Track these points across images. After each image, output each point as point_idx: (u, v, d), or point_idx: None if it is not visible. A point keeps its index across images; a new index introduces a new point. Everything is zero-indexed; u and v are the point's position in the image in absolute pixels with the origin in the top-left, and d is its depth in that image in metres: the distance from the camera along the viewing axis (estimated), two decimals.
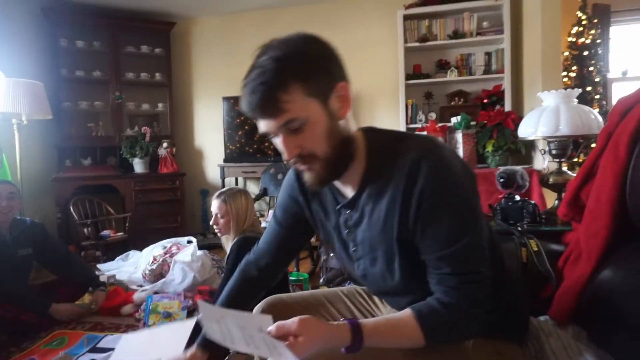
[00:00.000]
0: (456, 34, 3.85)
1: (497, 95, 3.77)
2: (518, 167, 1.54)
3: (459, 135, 3.44)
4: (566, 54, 3.66)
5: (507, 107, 3.71)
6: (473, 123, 3.56)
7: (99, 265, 3.32)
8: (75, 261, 2.66)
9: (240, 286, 1.15)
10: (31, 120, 3.48)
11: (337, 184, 0.93)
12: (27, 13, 4.08)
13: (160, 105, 4.60)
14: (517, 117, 3.39)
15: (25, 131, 3.52)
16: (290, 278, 2.73)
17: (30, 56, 4.06)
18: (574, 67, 3.61)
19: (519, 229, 1.40)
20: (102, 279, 2.87)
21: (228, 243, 2.17)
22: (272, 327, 0.75)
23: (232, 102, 4.41)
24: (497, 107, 3.74)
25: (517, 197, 1.51)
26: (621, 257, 1.06)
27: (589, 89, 3.57)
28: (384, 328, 0.83)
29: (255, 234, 2.12)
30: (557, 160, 1.60)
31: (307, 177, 0.87)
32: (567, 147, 1.57)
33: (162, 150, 4.41)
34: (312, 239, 3.83)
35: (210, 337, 0.85)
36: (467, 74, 3.93)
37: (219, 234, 2.21)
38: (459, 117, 3.42)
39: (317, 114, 0.80)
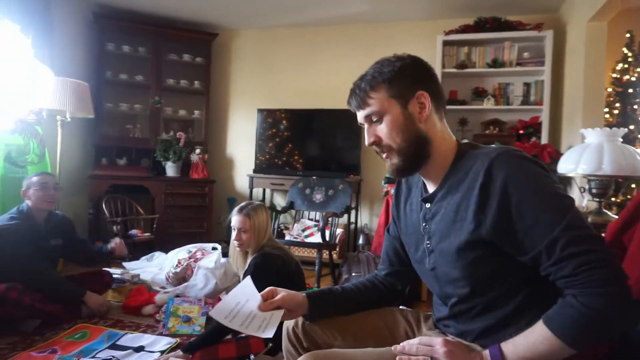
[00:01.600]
0: (495, 63, 3.82)
1: (533, 127, 3.71)
2: None
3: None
4: (609, 90, 3.57)
5: (544, 139, 3.64)
6: None
7: (124, 264, 3.38)
8: (95, 251, 2.82)
9: (363, 283, 1.24)
10: (74, 118, 3.63)
11: (425, 182, 1.06)
12: (79, 17, 4.29)
13: (196, 112, 4.72)
14: (553, 150, 3.32)
15: (68, 128, 3.66)
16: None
17: (78, 58, 4.26)
18: (617, 104, 3.52)
19: None
20: (127, 277, 2.94)
21: (246, 257, 2.16)
22: (416, 340, 0.93)
23: (266, 114, 4.48)
24: (533, 139, 3.67)
25: None
26: None
27: (632, 127, 3.47)
28: (522, 346, 0.83)
29: (274, 250, 2.11)
30: (598, 199, 1.56)
31: (387, 166, 1.02)
32: (608, 186, 1.52)
33: (195, 156, 4.50)
34: (335, 256, 3.84)
35: (217, 310, 1.01)
36: (504, 103, 3.88)
37: (238, 249, 2.18)
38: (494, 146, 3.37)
39: (395, 112, 0.97)
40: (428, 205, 1.03)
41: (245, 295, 1.05)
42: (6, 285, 2.20)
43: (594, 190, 1.55)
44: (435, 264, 1.02)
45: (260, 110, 4.51)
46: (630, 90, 3.48)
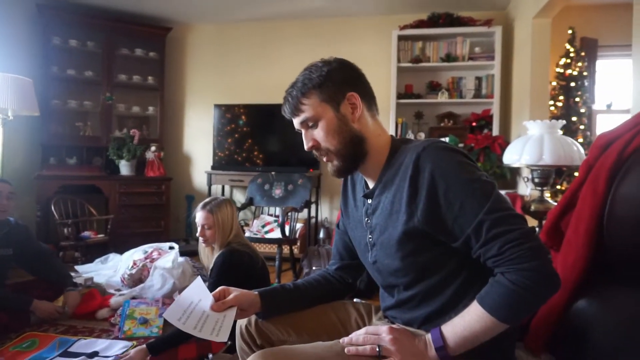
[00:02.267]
0: (448, 57, 3.92)
1: (485, 120, 3.85)
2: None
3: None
4: (554, 83, 3.75)
5: (495, 131, 3.78)
6: (461, 145, 3.62)
7: (76, 267, 3.26)
8: (54, 263, 2.62)
9: (315, 278, 1.24)
10: (17, 116, 3.44)
11: (365, 178, 1.09)
12: (20, 9, 4.06)
13: (150, 108, 4.58)
14: (504, 142, 3.45)
15: (11, 127, 3.47)
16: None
17: (21, 52, 4.03)
18: (561, 97, 3.71)
19: None
20: (79, 280, 2.82)
21: (212, 254, 2.14)
22: (362, 330, 0.96)
23: (224, 109, 4.41)
24: (485, 131, 3.80)
25: None
26: (595, 290, 1.08)
27: (574, 119, 3.66)
28: (460, 326, 0.87)
29: (241, 247, 2.10)
30: (540, 188, 1.63)
31: (329, 168, 1.06)
32: (549, 176, 1.60)
33: (150, 154, 4.38)
34: (296, 251, 3.84)
35: (171, 311, 0.99)
36: (458, 97, 4.00)
37: (203, 245, 2.17)
38: (447, 139, 3.46)
39: (328, 115, 1.00)
40: (369, 201, 1.06)
41: (198, 295, 1.04)
42: None
43: (536, 180, 1.63)
44: (377, 257, 1.05)
45: (217, 106, 4.44)
46: (573, 84, 3.67)
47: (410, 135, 4.03)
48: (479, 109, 3.97)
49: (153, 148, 4.39)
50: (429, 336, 0.91)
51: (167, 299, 2.53)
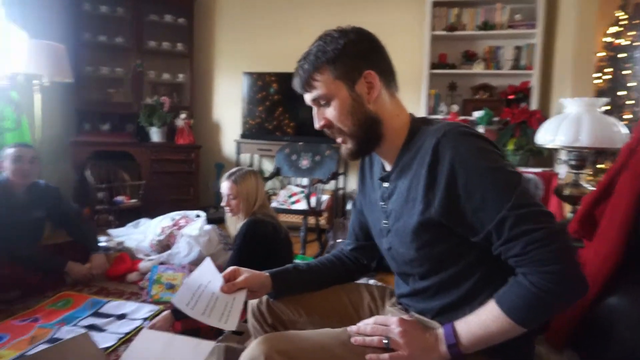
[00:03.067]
0: (486, 25, 3.71)
1: (523, 92, 3.66)
2: (531, 175, 1.49)
3: (479, 131, 3.35)
4: (601, 54, 3.50)
5: (533, 105, 3.60)
6: (496, 119, 3.47)
7: (109, 231, 3.37)
8: (83, 226, 2.71)
9: (329, 259, 1.22)
10: (52, 83, 3.52)
11: (382, 160, 1.03)
12: None
13: (180, 75, 4.59)
14: (542, 117, 3.28)
15: (47, 94, 3.56)
16: (295, 261, 2.74)
17: (53, 18, 4.06)
18: (608, 69, 3.45)
19: None
20: (111, 244, 2.93)
21: (237, 223, 2.17)
22: (371, 319, 0.93)
23: (255, 77, 4.36)
24: (523, 104, 3.62)
25: None
26: (627, 286, 1.02)
27: (622, 93, 3.42)
28: (474, 324, 0.83)
29: (265, 217, 2.11)
30: (575, 171, 1.54)
31: (342, 150, 1.00)
32: (586, 158, 1.50)
33: (180, 121, 4.41)
34: (323, 222, 3.85)
35: (179, 296, 0.97)
36: (494, 68, 3.80)
37: (229, 215, 2.21)
38: (481, 112, 3.32)
39: (342, 95, 0.93)
40: (386, 184, 1.02)
41: (207, 276, 1.04)
42: None
43: (572, 162, 1.54)
44: (392, 244, 1.01)
45: (247, 74, 4.39)
46: (622, 55, 3.41)
47: (443, 108, 3.89)
48: (516, 81, 3.76)
49: (183, 115, 4.42)
50: (441, 331, 0.88)
51: (193, 265, 2.60)
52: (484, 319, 0.83)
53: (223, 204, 2.14)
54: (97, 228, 3.61)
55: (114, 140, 4.15)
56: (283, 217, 3.97)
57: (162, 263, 2.61)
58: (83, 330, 1.95)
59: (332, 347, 0.88)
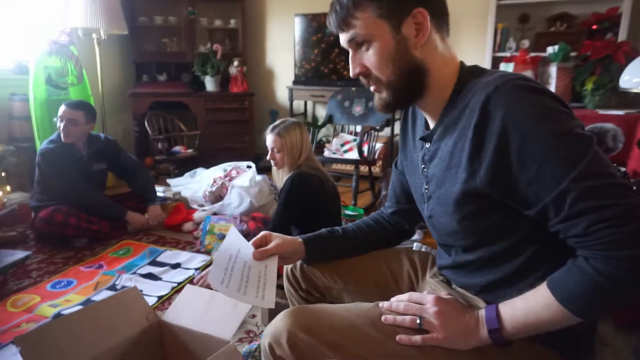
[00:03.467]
0: None
1: (610, 21, 3.15)
2: (610, 125, 1.26)
3: (553, 69, 2.98)
4: None
5: (622, 36, 3.10)
6: (573, 54, 3.05)
7: (168, 180, 3.51)
8: (141, 175, 2.81)
9: (367, 223, 1.14)
10: (109, 36, 3.58)
11: (426, 116, 0.90)
12: None
13: (232, 21, 4.49)
14: (631, 50, 2.83)
15: (104, 47, 3.64)
16: (345, 212, 2.69)
17: None
18: None
19: None
20: (168, 194, 3.05)
21: (283, 176, 2.14)
22: (405, 296, 0.85)
23: (310, 18, 4.15)
24: (609, 35, 3.14)
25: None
26: None
27: None
28: (521, 309, 0.72)
29: (311, 170, 2.06)
30: None
31: (375, 99, 0.88)
32: None
33: (233, 69, 4.37)
34: (378, 170, 3.74)
35: (213, 274, 0.90)
36: None
37: (275, 167, 2.18)
38: (556, 47, 2.93)
39: (384, 36, 0.79)
40: (427, 145, 0.88)
41: (235, 246, 0.99)
42: (52, 207, 2.35)
43: None
44: (432, 212, 0.90)
45: (300, 15, 4.19)
46: None
47: (512, 44, 3.48)
48: (603, 8, 3.24)
49: (236, 63, 4.37)
50: (482, 313, 0.77)
51: (245, 216, 2.63)
52: (532, 305, 0.71)
53: (268, 157, 2.10)
54: (158, 177, 3.79)
55: (170, 90, 4.22)
56: (335, 167, 3.91)
57: (214, 214, 2.67)
58: (141, 279, 2.06)
59: (360, 325, 0.81)
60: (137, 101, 4.08)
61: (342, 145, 3.52)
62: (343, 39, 0.84)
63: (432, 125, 0.88)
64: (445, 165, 0.82)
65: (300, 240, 1.05)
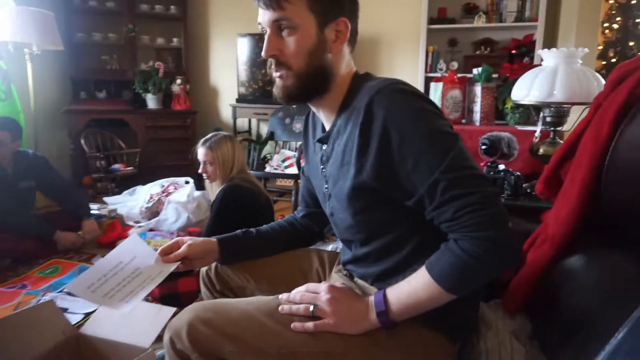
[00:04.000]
0: None
1: (526, 47, 3.46)
2: (505, 133, 1.40)
3: (478, 89, 3.19)
4: (611, 1, 3.27)
5: (537, 60, 3.40)
6: (495, 75, 3.30)
7: (105, 198, 3.41)
8: (73, 193, 2.73)
9: (281, 224, 1.18)
10: (45, 51, 3.47)
11: (323, 119, 0.96)
12: None
13: (175, 40, 4.49)
14: None
15: (39, 62, 3.52)
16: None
17: None
18: (618, 19, 3.24)
19: None
20: (104, 212, 2.96)
21: (215, 189, 2.16)
22: (303, 287, 0.90)
23: (257, 38, 4.19)
24: (526, 59, 3.44)
25: (501, 167, 1.38)
26: (586, 249, 0.95)
27: (632, 43, 3.22)
28: (405, 292, 0.79)
29: (244, 182, 2.09)
30: (552, 128, 1.44)
31: (276, 87, 0.90)
32: (564, 115, 1.40)
33: (176, 87, 4.35)
34: None
35: (80, 279, 0.91)
36: (497, 21, 3.59)
37: (207, 181, 2.20)
38: (479, 69, 3.16)
39: (308, 29, 0.83)
40: (324, 146, 0.95)
41: (131, 253, 0.99)
42: None
43: (548, 119, 1.43)
44: (333, 209, 0.97)
45: (241, 35, 4.26)
46: (634, 1, 3.18)
47: (442, 65, 3.72)
48: (520, 35, 3.56)
49: (179, 81, 4.36)
50: (371, 299, 0.84)
51: (182, 232, 2.61)
52: (414, 286, 0.79)
53: (200, 170, 2.12)
54: (97, 196, 3.67)
55: (109, 107, 4.13)
56: (279, 183, 3.95)
57: (151, 230, 2.63)
58: (67, 296, 1.99)
59: (258, 316, 0.85)
60: (73, 118, 3.95)
61: (284, 161, 3.58)
62: (267, 17, 0.84)
63: (328, 128, 0.94)
64: (339, 164, 0.89)
65: (214, 240, 1.08)
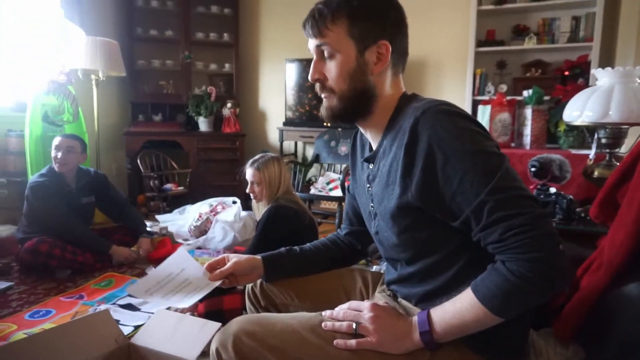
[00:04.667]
0: None
1: (581, 67, 3.34)
2: (556, 156, 1.35)
3: (528, 111, 3.11)
4: None
5: (592, 81, 3.28)
6: (547, 98, 3.20)
7: (157, 216, 3.56)
8: (129, 210, 2.88)
9: (324, 243, 1.20)
10: (108, 77, 3.75)
11: (370, 139, 0.99)
12: None
13: (227, 65, 4.70)
14: None
15: (103, 87, 3.80)
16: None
17: (108, 15, 4.32)
18: None
19: None
20: (155, 229, 3.09)
21: (261, 209, 2.21)
22: (346, 304, 0.91)
23: (305, 63, 4.33)
24: (580, 80, 3.32)
25: (553, 190, 1.33)
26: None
27: None
28: (450, 312, 0.79)
29: (288, 203, 2.12)
30: (608, 150, 1.37)
31: (323, 107, 0.94)
32: (620, 136, 1.33)
33: (226, 110, 4.53)
34: None
35: (139, 284, 0.96)
36: (549, 42, 3.51)
37: (254, 201, 2.25)
38: (530, 91, 3.08)
39: (348, 54, 0.87)
40: (371, 166, 0.97)
41: (180, 265, 1.03)
42: (37, 238, 2.39)
43: (603, 140, 1.37)
44: (378, 227, 0.97)
45: (289, 60, 4.40)
46: None
47: (490, 88, 3.66)
48: (574, 56, 3.45)
49: (229, 105, 4.54)
50: (415, 318, 0.83)
51: (228, 250, 2.68)
52: (459, 307, 0.78)
53: (247, 190, 2.18)
54: (149, 214, 3.84)
55: (164, 130, 4.35)
56: (323, 205, 3.98)
57: (199, 247, 2.71)
58: (119, 309, 2.08)
59: (300, 330, 0.86)
60: (131, 139, 4.20)
61: (328, 183, 3.61)
62: (312, 43, 0.91)
63: (374, 147, 0.96)
64: (384, 183, 0.89)
65: (259, 257, 1.11)
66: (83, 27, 3.75)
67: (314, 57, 0.92)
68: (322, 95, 0.93)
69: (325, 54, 0.89)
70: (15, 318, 1.98)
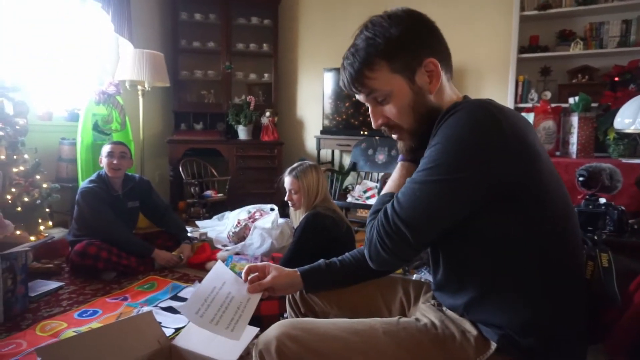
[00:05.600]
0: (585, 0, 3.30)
1: (632, 73, 3.18)
2: (607, 164, 1.29)
3: (574, 119, 2.99)
4: None
5: None
6: (595, 105, 3.07)
7: (197, 222, 3.66)
8: (171, 216, 2.97)
9: (361, 251, 1.19)
10: (153, 87, 3.91)
11: None
12: None
13: (266, 75, 4.80)
14: None
15: (148, 97, 3.96)
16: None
17: (154, 29, 4.52)
18: None
19: (595, 237, 1.17)
20: (195, 235, 3.18)
21: (299, 217, 2.23)
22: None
23: (334, 73, 4.39)
24: (631, 86, 3.16)
25: (602, 200, 1.27)
26: None
27: None
28: None
29: (326, 211, 2.13)
30: None
31: (399, 145, 0.95)
32: None
33: (265, 119, 4.62)
34: None
35: (189, 305, 0.97)
36: (596, 47, 3.37)
37: (292, 209, 2.27)
38: (576, 98, 2.97)
39: (401, 89, 0.85)
40: None
41: (221, 278, 1.05)
42: (86, 241, 2.51)
43: None
44: None
45: (327, 70, 4.44)
46: None
47: (534, 95, 3.55)
48: (624, 60, 3.29)
49: (267, 113, 4.62)
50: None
51: (266, 256, 2.71)
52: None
53: (286, 198, 2.20)
54: (189, 220, 3.95)
55: (205, 138, 4.48)
56: (360, 213, 3.96)
57: (237, 253, 2.76)
58: (161, 311, 2.15)
59: (343, 334, 0.86)
60: (174, 147, 4.35)
61: (365, 191, 3.60)
62: (360, 97, 0.90)
63: None
64: None
65: (298, 272, 1.11)
66: (131, 40, 3.93)
67: (370, 107, 0.90)
68: (393, 136, 0.92)
69: (379, 99, 0.88)
70: (66, 316, 2.08)
